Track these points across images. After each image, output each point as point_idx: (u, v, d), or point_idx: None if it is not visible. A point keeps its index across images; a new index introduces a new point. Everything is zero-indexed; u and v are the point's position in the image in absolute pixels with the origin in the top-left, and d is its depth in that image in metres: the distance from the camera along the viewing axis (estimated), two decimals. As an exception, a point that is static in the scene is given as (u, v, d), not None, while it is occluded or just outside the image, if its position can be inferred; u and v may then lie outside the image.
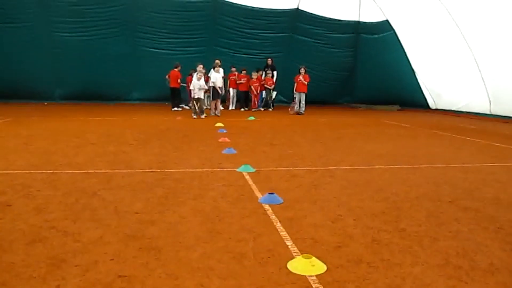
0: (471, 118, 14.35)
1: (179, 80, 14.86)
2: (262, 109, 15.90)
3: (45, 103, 15.69)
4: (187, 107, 15.07)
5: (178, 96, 15.18)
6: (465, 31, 13.78)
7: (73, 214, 3.57)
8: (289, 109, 15.26)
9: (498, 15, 12.07)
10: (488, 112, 14.16)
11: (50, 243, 2.97)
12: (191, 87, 12.49)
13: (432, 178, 5.30)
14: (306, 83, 14.75)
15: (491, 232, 3.40)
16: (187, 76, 15.03)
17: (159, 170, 5.33)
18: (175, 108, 14.84)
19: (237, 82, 15.86)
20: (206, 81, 13.19)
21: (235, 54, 17.37)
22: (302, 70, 14.87)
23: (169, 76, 14.80)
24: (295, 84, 14.92)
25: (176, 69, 14.79)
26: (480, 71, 13.82)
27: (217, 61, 14.23)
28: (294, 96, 15.01)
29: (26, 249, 2.86)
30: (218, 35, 17.14)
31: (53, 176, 4.92)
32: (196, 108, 12.38)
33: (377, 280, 2.53)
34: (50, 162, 5.69)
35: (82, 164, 5.59)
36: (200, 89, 12.29)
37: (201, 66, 12.76)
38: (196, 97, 12.32)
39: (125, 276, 2.51)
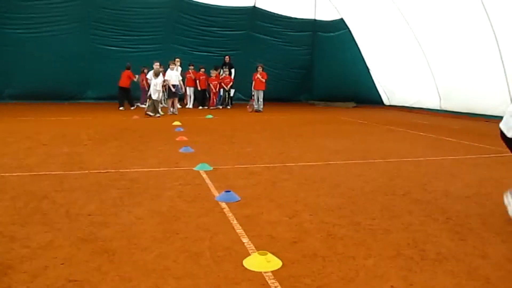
0: (423, 114, 14.88)
1: (136, 79, 14.72)
2: (221, 107, 15.86)
3: (-6, 104, 14.97)
4: (142, 106, 14.75)
5: (129, 95, 14.92)
6: (416, 30, 14.29)
7: (21, 218, 3.42)
8: (248, 106, 15.29)
9: (448, 15, 12.58)
10: (438, 108, 14.74)
11: (-4, 249, 2.83)
12: (151, 85, 12.24)
13: (386, 172, 5.46)
14: (264, 80, 14.82)
15: (440, 223, 3.53)
16: (140, 74, 14.78)
17: (114, 171, 5.20)
18: (122, 108, 14.50)
19: (195, 79, 15.75)
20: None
21: (193, 52, 17.23)
22: (260, 68, 14.93)
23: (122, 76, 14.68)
24: (253, 82, 14.96)
25: (128, 70, 14.66)
26: (430, 68, 14.36)
27: (176, 59, 14.07)
28: (253, 94, 15.04)
29: (-31, 256, 2.72)
30: (175, 32, 16.95)
31: (1, 179, 4.70)
32: (155, 106, 12.19)
33: (331, 273, 2.58)
34: (-2, 164, 5.44)
35: (33, 166, 5.37)
36: (155, 88, 12.10)
37: (158, 64, 12.58)
38: (152, 97, 12.12)
39: (77, 280, 2.43)
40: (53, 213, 3.57)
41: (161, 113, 12.53)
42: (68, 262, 2.66)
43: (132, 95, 15.16)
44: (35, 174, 4.96)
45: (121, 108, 14.51)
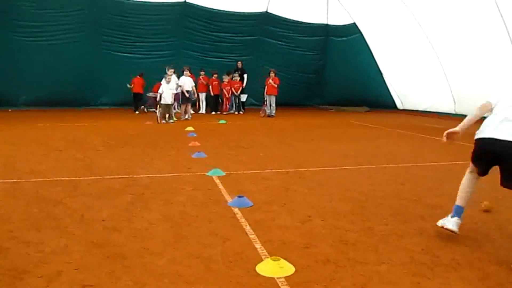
0: (437, 118, 14.73)
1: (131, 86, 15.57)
2: (236, 113, 15.87)
3: (9, 110, 15.21)
4: (152, 110, 14.94)
5: (140, 100, 15.73)
6: (429, 34, 14.19)
7: (36, 224, 3.47)
8: (260, 112, 15.31)
9: (462, 18, 12.47)
10: (453, 112, 14.58)
11: (12, 254, 2.87)
12: (159, 91, 12.34)
13: (398, 177, 5.42)
14: (276, 85, 14.84)
15: (454, 228, 3.49)
16: (155, 84, 14.96)
17: (127, 176, 5.25)
18: (138, 112, 15.38)
19: (207, 85, 15.87)
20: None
21: (205, 58, 17.33)
22: (272, 74, 14.94)
23: (133, 83, 15.35)
24: (266, 87, 14.99)
25: (140, 76, 15.44)
26: (444, 72, 14.23)
27: (185, 67, 14.19)
28: (265, 99, 15.07)
29: (-14, 261, 2.77)
30: (187, 38, 17.07)
31: (16, 185, 4.77)
32: (164, 113, 12.25)
33: (344, 279, 2.57)
34: (14, 170, 5.53)
35: (47, 172, 5.45)
36: (169, 93, 12.20)
37: (172, 70, 12.69)
38: (164, 103, 12.20)
39: (90, 285, 2.46)
40: (67, 219, 3.62)
41: (174, 118, 12.61)
42: (81, 267, 2.69)
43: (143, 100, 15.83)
44: (49, 180, 5.02)
45: (136, 112, 15.34)
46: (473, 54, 12.71)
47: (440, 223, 3.31)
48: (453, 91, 14.35)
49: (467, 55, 12.94)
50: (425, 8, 13.83)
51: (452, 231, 3.21)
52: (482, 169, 3.33)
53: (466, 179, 3.48)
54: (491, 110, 3.35)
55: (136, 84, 15.43)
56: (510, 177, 3.03)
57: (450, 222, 3.25)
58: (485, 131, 3.21)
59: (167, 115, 12.22)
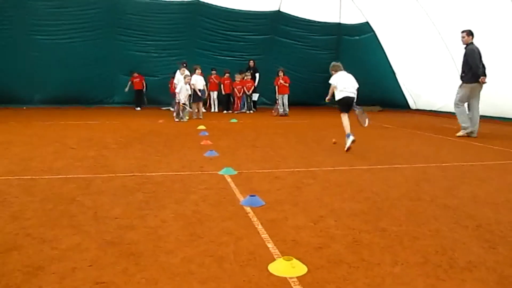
0: (451, 118, 14.53)
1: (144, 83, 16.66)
2: (248, 112, 15.88)
3: (24, 108, 15.41)
4: (167, 108, 15.17)
5: (141, 97, 16.64)
6: (443, 33, 14.01)
7: (50, 221, 3.50)
8: (273, 111, 15.30)
9: (475, 17, 12.29)
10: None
11: (26, 251, 2.90)
12: (176, 90, 12.41)
13: (412, 177, 5.37)
14: (287, 84, 14.88)
15: (469, 229, 3.45)
16: (170, 79, 15.04)
17: (140, 174, 5.27)
18: (138, 108, 16.33)
19: (219, 84, 15.95)
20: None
21: (217, 57, 17.36)
22: (281, 73, 14.97)
23: (133, 83, 16.31)
24: (277, 87, 15.02)
25: (137, 75, 16.41)
26: (458, 72, 14.02)
27: (196, 66, 14.24)
28: (277, 99, 15.08)
29: (1, 257, 2.79)
30: (199, 37, 17.11)
31: (30, 182, 4.83)
32: (180, 112, 12.35)
33: (357, 280, 2.54)
34: (29, 168, 5.59)
35: (61, 170, 5.50)
36: (185, 93, 12.30)
37: (184, 68, 12.81)
38: (182, 101, 12.29)
39: (104, 282, 2.47)
40: (81, 216, 3.64)
41: (187, 117, 12.67)
42: (95, 264, 2.70)
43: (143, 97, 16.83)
44: (63, 177, 5.07)
45: (137, 108, 16.38)
46: (487, 54, 12.50)
47: (346, 147, 7.04)
48: (467, 91, 14.16)
49: (483, 55, 12.75)
50: (439, 6, 13.66)
51: (351, 142, 7.03)
52: (346, 110, 7.39)
53: (344, 119, 7.36)
54: (336, 87, 7.40)
55: (136, 83, 16.38)
56: (350, 108, 7.41)
57: (348, 142, 7.07)
58: (342, 94, 7.32)
59: (180, 114, 12.31)
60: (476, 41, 12.65)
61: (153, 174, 5.32)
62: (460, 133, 9.58)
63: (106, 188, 4.60)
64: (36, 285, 2.43)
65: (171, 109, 15.26)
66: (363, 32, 17.65)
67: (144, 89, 16.69)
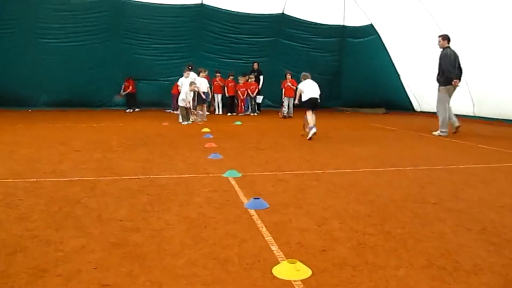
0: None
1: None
2: (252, 114, 15.91)
3: (29, 110, 15.50)
4: (175, 112, 15.16)
5: (134, 99, 16.77)
6: (447, 33, 13.96)
7: (55, 223, 3.52)
8: (279, 113, 15.41)
9: (480, 18, 12.27)
10: (471, 114, 14.35)
11: (32, 252, 2.92)
12: (182, 96, 12.44)
13: (416, 179, 5.35)
14: (294, 88, 14.95)
15: (474, 233, 3.43)
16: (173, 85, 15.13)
17: (144, 177, 5.29)
18: (129, 110, 16.49)
19: (223, 86, 15.98)
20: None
21: (221, 59, 17.40)
22: (288, 76, 15.06)
23: (126, 88, 16.46)
24: (283, 90, 15.11)
25: (128, 80, 16.48)
26: (463, 73, 13.98)
27: (201, 68, 14.27)
28: (283, 101, 15.18)
29: (7, 259, 2.81)
30: (204, 40, 17.15)
31: (36, 184, 4.85)
32: (183, 114, 12.41)
33: (362, 283, 2.54)
34: (34, 170, 5.62)
35: (66, 172, 5.52)
36: (189, 98, 12.36)
37: (188, 72, 12.87)
38: (182, 105, 12.33)
39: (108, 285, 2.48)
40: (86, 218, 3.66)
41: (192, 119, 12.70)
42: (100, 266, 2.72)
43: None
44: (68, 180, 5.10)
45: (128, 110, 16.45)
46: (493, 56, 12.48)
47: (308, 137, 8.67)
48: (472, 93, 14.12)
49: (487, 57, 12.71)
50: (443, 8, 13.63)
51: (313, 134, 8.76)
52: (312, 108, 9.03)
53: (309, 115, 9.04)
54: (303, 91, 9.32)
55: (127, 87, 16.59)
56: (315, 107, 9.14)
57: (310, 132, 8.75)
58: (308, 96, 9.23)
59: (192, 118, 12.44)
60: (482, 45, 12.59)
61: (158, 176, 5.33)
62: (438, 133, 10.20)
63: (110, 190, 4.62)
64: (41, 286, 2.45)
65: (175, 112, 15.34)
66: (367, 34, 17.64)
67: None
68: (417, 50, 15.70)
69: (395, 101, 17.80)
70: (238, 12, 16.97)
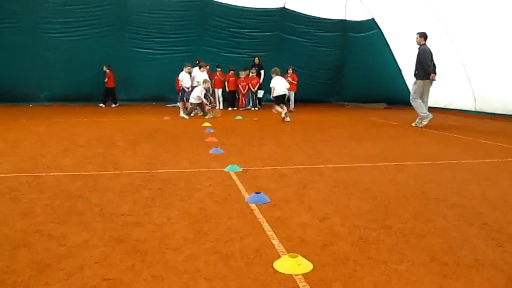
0: (457, 115, 14.50)
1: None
2: (253, 109, 15.92)
3: (30, 105, 15.50)
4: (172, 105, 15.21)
5: (113, 94, 16.57)
6: (450, 29, 13.93)
7: (58, 218, 3.53)
8: (273, 109, 15.41)
9: (483, 13, 12.21)
10: (473, 109, 14.33)
11: (35, 247, 2.93)
12: (197, 93, 12.40)
13: (419, 175, 5.35)
14: (294, 82, 14.99)
15: (476, 228, 3.43)
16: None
17: (146, 172, 5.30)
18: (102, 105, 16.31)
19: (223, 81, 15.98)
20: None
21: (223, 54, 17.38)
22: (290, 71, 15.06)
23: (107, 77, 16.21)
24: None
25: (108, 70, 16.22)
26: (465, 69, 13.96)
27: (203, 63, 14.27)
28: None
29: (10, 254, 2.82)
30: (207, 34, 17.14)
31: (38, 179, 4.86)
32: (191, 110, 12.46)
33: (363, 278, 2.54)
34: (38, 165, 5.63)
35: (69, 167, 5.53)
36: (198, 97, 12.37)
37: (189, 66, 12.89)
38: (196, 102, 12.34)
39: (111, 279, 2.49)
40: (88, 213, 3.67)
41: (192, 114, 12.70)
42: (102, 261, 2.72)
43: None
44: (71, 174, 5.11)
45: (101, 105, 16.24)
46: (495, 51, 12.43)
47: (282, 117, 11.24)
48: (474, 89, 14.08)
49: (489, 52, 12.67)
50: (446, 2, 13.57)
51: (284, 114, 11.41)
52: (282, 102, 11.67)
53: (278, 107, 11.61)
54: (274, 88, 11.65)
55: (110, 78, 16.34)
56: (283, 101, 11.84)
57: (286, 118, 11.33)
58: (278, 92, 11.63)
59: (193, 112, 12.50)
60: (484, 39, 12.58)
61: (159, 171, 5.34)
62: (418, 122, 10.71)
63: (113, 185, 4.63)
64: (44, 281, 2.45)
65: (177, 105, 15.35)
66: (369, 29, 17.60)
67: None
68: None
69: (396, 96, 17.76)
70: (240, 7, 16.96)
